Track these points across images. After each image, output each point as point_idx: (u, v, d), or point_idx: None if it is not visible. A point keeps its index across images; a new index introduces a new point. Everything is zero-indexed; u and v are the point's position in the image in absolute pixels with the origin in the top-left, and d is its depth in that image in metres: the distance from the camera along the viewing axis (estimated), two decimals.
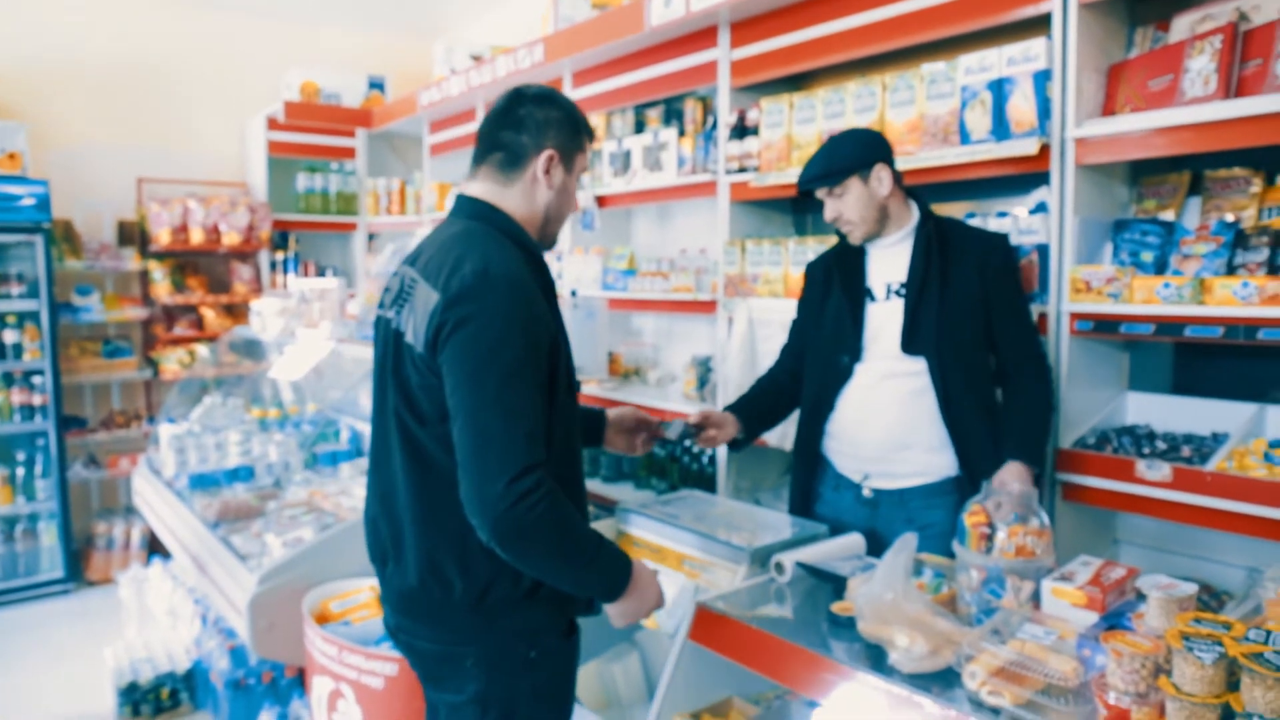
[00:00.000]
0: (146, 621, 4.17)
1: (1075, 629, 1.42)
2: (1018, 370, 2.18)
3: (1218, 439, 2.23)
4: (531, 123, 1.71)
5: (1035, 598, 1.56)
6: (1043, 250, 2.37)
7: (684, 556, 2.22)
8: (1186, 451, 2.18)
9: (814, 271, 2.42)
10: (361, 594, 2.68)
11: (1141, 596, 1.47)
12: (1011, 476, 2.03)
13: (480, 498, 1.49)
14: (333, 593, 2.69)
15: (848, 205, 2.17)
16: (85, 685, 3.82)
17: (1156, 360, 2.53)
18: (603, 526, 2.44)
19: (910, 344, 2.17)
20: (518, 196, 1.73)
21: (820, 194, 2.21)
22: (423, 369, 1.60)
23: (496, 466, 1.49)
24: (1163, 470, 2.10)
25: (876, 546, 2.11)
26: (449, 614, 1.67)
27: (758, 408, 2.41)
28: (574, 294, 3.83)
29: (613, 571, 1.67)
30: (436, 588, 1.66)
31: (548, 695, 1.75)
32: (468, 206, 1.74)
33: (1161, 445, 2.23)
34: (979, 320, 2.15)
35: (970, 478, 2.14)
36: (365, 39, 6.34)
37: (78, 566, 5.14)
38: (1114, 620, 1.46)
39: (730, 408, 2.37)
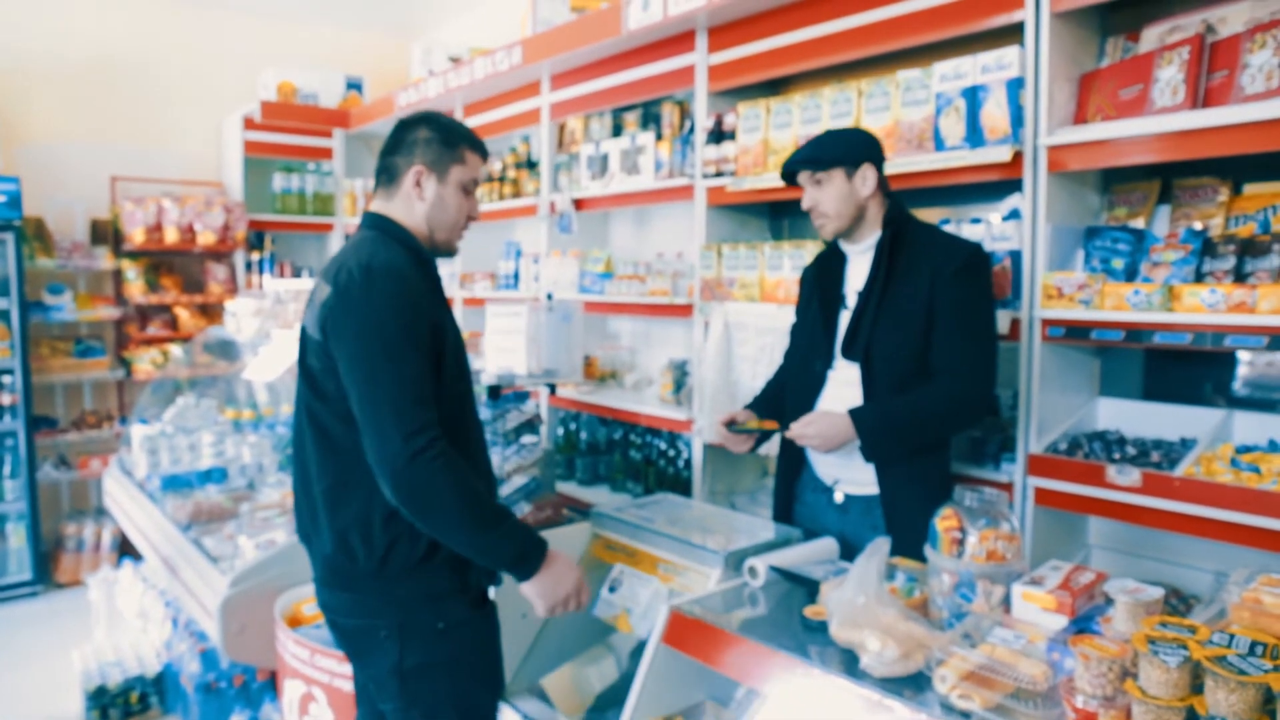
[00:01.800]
0: (116, 624, 4.12)
1: (1045, 633, 1.43)
2: (938, 375, 2.12)
3: (1186, 444, 2.25)
4: (403, 145, 1.92)
5: (1006, 602, 1.58)
6: (1016, 256, 2.40)
7: (658, 560, 2.22)
8: (1156, 457, 2.21)
9: (805, 277, 2.45)
10: None
11: (1110, 600, 1.48)
12: (822, 419, 2.11)
13: (380, 457, 1.67)
14: (305, 595, 2.67)
15: (826, 196, 2.18)
16: (52, 689, 3.77)
17: (1127, 366, 2.56)
18: (577, 530, 2.44)
19: (849, 350, 2.21)
20: (400, 209, 1.93)
21: (802, 178, 2.22)
22: (320, 354, 1.79)
23: (392, 426, 1.66)
24: (1132, 475, 2.12)
25: (848, 552, 2.12)
26: (358, 583, 1.82)
27: (774, 406, 2.43)
28: (550, 297, 3.82)
29: (522, 543, 1.80)
30: (345, 557, 1.81)
31: (467, 669, 1.87)
32: (367, 219, 1.96)
33: (1131, 451, 2.26)
34: (918, 329, 2.12)
35: (884, 490, 2.17)
36: (343, 39, 6.30)
37: (46, 568, 5.08)
38: (1083, 624, 1.47)
39: (750, 406, 2.44)
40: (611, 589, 2.24)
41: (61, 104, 5.40)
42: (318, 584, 1.95)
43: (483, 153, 1.99)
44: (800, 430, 2.13)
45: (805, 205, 2.23)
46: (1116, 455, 2.24)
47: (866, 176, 2.16)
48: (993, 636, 1.41)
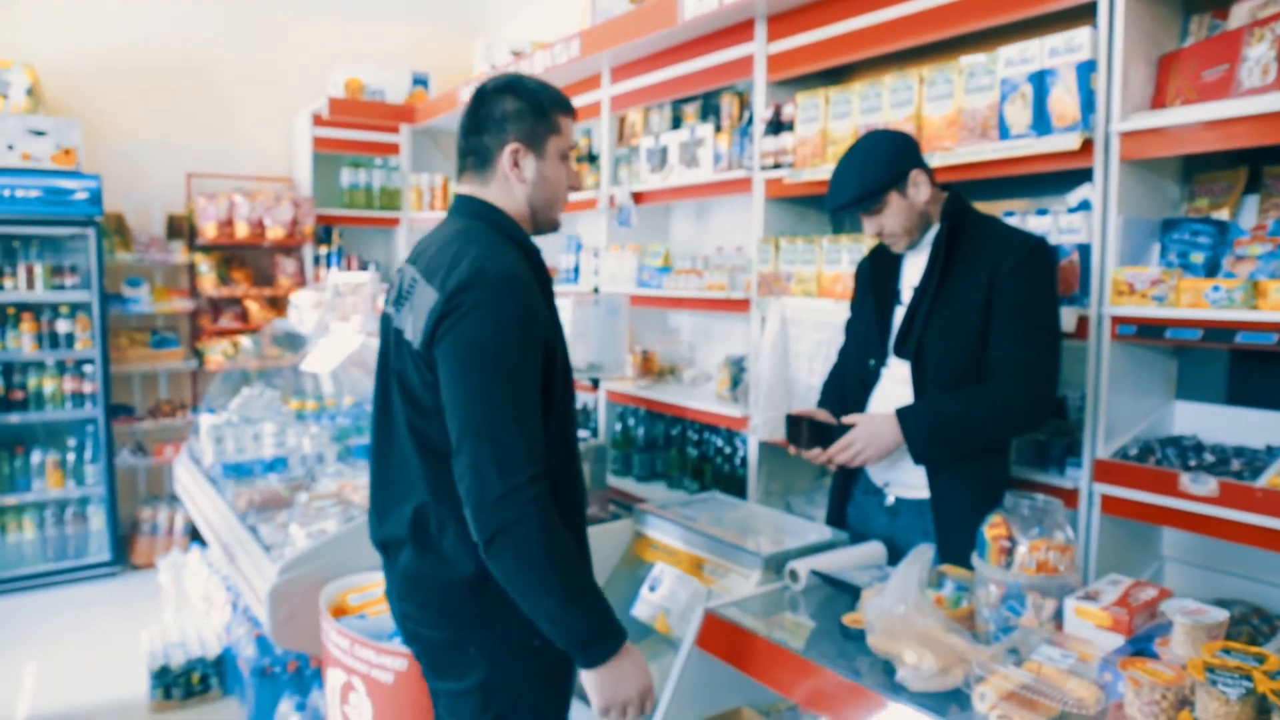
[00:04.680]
0: (183, 606, 4.24)
1: (1098, 652, 1.33)
2: (993, 376, 2.01)
3: (1272, 453, 2.09)
4: (490, 121, 1.71)
5: (1058, 617, 1.47)
6: (1085, 250, 2.26)
7: (700, 561, 2.16)
8: (1237, 465, 2.05)
9: (860, 272, 2.36)
10: (380, 587, 2.67)
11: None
12: (865, 426, 2.01)
13: (471, 488, 1.51)
14: (352, 585, 2.68)
15: (889, 220, 2.08)
16: (121, 666, 3.89)
17: (1209, 368, 2.39)
18: (619, 527, 2.40)
19: (901, 348, 2.11)
20: (498, 194, 1.73)
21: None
22: (422, 366, 1.62)
23: (489, 459, 1.50)
24: (1209, 484, 1.98)
25: (896, 556, 2.03)
26: (454, 600, 1.67)
27: (841, 406, 2.30)
28: (596, 290, 3.79)
29: (599, 625, 1.57)
30: (444, 572, 1.66)
31: (550, 682, 1.75)
32: (465, 205, 1.75)
33: (1209, 458, 2.11)
34: (974, 326, 2.01)
35: (935, 494, 2.06)
36: (409, 36, 6.37)
37: (124, 550, 5.26)
38: (1141, 644, 1.36)
39: (821, 406, 2.33)
40: (652, 588, 2.19)
41: (140, 105, 5.58)
42: (396, 595, 1.79)
43: (573, 112, 1.79)
44: (845, 442, 2.03)
45: (869, 233, 2.14)
46: (1192, 462, 2.09)
47: (918, 182, 2.05)
48: (1039, 653, 1.32)
